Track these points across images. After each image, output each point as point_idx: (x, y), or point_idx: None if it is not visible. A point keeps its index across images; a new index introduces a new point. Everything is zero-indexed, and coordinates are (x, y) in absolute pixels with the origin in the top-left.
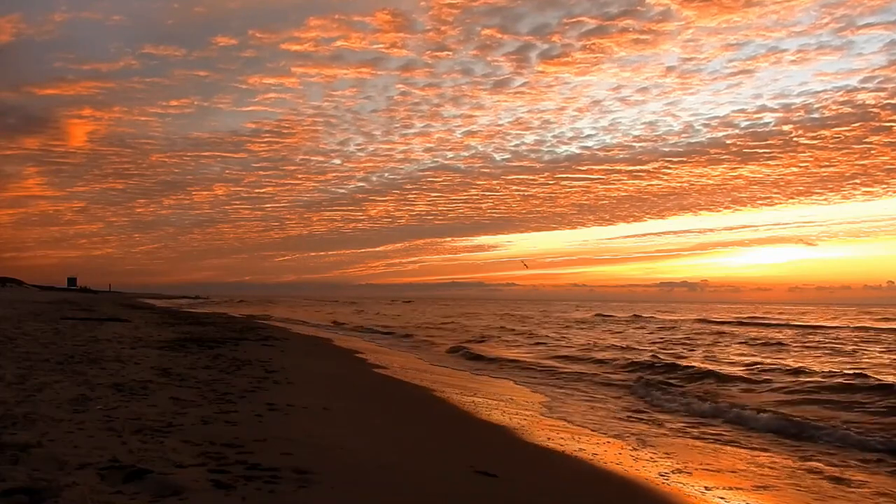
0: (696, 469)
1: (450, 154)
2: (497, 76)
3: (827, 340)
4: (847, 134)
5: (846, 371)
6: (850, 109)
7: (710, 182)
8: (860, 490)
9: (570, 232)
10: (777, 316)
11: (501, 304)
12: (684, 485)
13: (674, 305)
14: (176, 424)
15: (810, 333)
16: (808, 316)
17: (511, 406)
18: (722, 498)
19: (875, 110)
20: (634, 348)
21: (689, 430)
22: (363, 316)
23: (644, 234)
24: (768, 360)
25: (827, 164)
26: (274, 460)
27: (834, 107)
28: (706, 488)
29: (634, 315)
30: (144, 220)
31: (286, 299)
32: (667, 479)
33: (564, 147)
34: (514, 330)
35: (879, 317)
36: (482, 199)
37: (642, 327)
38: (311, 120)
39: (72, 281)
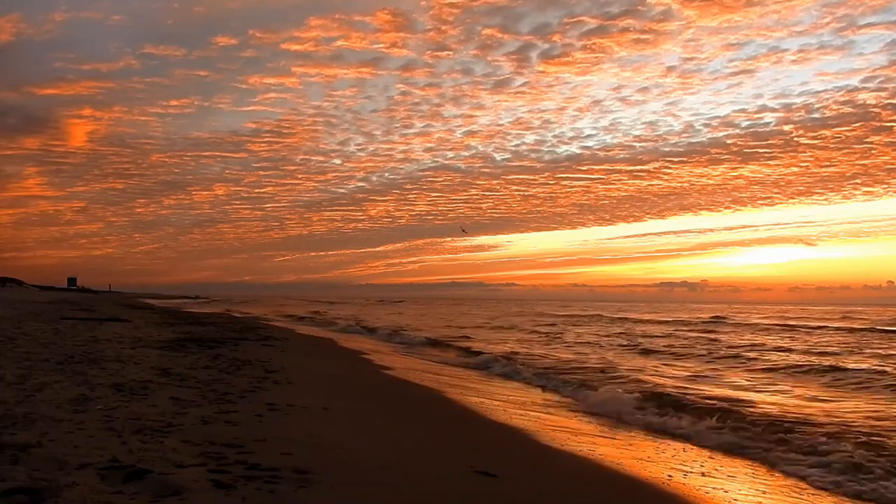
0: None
1: (450, 154)
2: (497, 76)
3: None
4: (848, 134)
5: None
6: (850, 109)
7: (711, 182)
8: None
9: (570, 232)
10: (741, 315)
11: (490, 305)
12: (688, 485)
13: (662, 305)
14: (176, 424)
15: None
16: (768, 318)
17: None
18: (732, 498)
19: (876, 110)
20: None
21: None
22: (329, 313)
23: (644, 234)
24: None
25: (827, 164)
26: (274, 460)
27: (835, 107)
28: (712, 488)
29: (595, 314)
30: (144, 220)
31: (273, 299)
32: (671, 479)
33: (565, 147)
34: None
35: (848, 316)
36: (482, 199)
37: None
38: (312, 120)
39: (72, 281)
